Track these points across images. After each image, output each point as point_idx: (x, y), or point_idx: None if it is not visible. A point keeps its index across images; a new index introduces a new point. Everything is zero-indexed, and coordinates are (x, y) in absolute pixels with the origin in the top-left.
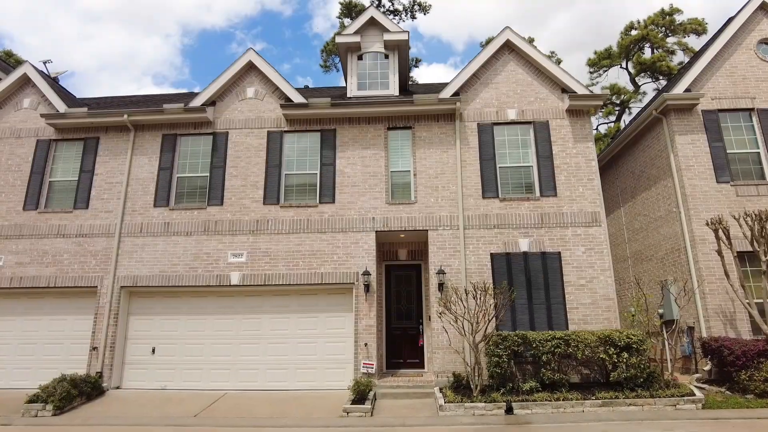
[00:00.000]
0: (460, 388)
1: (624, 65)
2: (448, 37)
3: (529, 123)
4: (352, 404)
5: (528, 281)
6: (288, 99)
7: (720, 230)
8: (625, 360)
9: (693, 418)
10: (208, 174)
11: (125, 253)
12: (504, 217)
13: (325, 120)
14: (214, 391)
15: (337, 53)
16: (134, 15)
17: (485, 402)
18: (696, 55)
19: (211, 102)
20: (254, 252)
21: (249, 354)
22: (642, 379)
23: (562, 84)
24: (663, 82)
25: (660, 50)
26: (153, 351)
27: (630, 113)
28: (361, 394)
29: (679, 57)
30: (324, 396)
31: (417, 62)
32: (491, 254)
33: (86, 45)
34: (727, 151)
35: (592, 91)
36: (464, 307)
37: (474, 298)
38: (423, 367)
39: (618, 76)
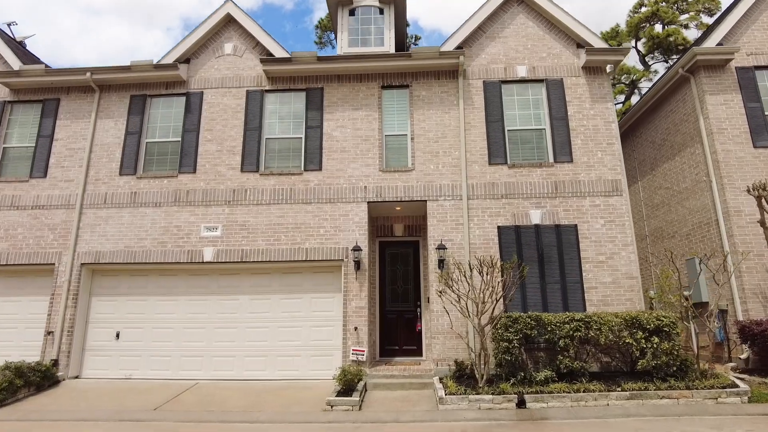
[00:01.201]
0: (463, 378)
1: (633, 44)
2: (448, 29)
3: (540, 81)
4: (337, 396)
5: (540, 258)
6: (270, 55)
7: (763, 198)
8: (654, 345)
9: (740, 413)
10: (180, 139)
11: (87, 226)
12: (513, 185)
13: (311, 77)
14: (184, 381)
15: (331, 28)
16: (135, 9)
17: (493, 394)
18: (728, 9)
19: (185, 60)
20: (230, 225)
21: (224, 339)
22: (675, 368)
23: (578, 38)
24: (676, 59)
25: (673, 26)
26: (117, 336)
27: (639, 94)
28: (348, 385)
29: (693, 34)
30: (308, 387)
31: (416, 40)
32: (498, 227)
33: (87, 39)
34: (766, 113)
35: (610, 45)
36: (468, 285)
37: (480, 275)
38: (421, 355)
39: (626, 55)
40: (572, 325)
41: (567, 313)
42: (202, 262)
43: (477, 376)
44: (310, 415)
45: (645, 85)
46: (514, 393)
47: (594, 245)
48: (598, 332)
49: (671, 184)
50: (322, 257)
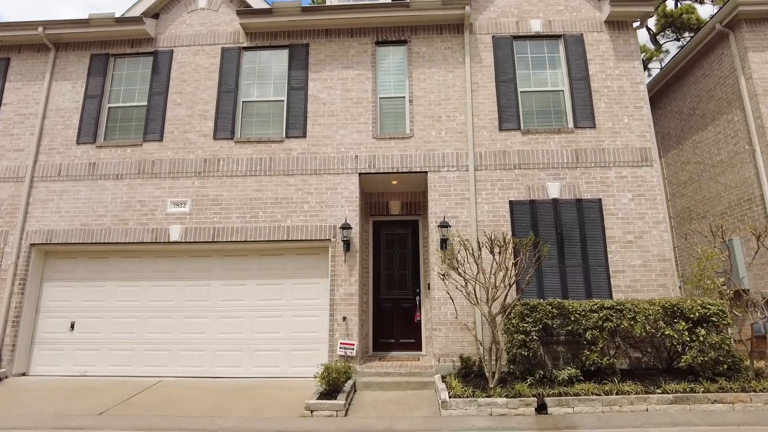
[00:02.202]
0: (470, 376)
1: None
2: None
3: (557, 37)
4: (319, 399)
5: (559, 237)
6: (249, 7)
7: None
8: (701, 338)
9: None
10: (146, 103)
11: (38, 201)
12: (527, 154)
13: (295, 32)
14: (147, 378)
15: None
16: None
17: (507, 396)
18: None
19: (154, 15)
20: (201, 200)
21: (194, 331)
22: (725, 366)
23: None
24: (688, 39)
25: (687, 1)
26: (72, 326)
27: (650, 74)
28: (333, 385)
29: (707, 11)
30: (287, 386)
31: None
32: (511, 202)
33: None
34: None
35: None
36: (477, 267)
37: (491, 254)
38: (420, 349)
39: (656, 8)
40: (602, 314)
41: (595, 300)
42: (168, 242)
43: (487, 374)
44: (283, 423)
45: (655, 66)
46: (533, 396)
47: (621, 223)
48: (632, 322)
49: (702, 158)
50: (307, 236)
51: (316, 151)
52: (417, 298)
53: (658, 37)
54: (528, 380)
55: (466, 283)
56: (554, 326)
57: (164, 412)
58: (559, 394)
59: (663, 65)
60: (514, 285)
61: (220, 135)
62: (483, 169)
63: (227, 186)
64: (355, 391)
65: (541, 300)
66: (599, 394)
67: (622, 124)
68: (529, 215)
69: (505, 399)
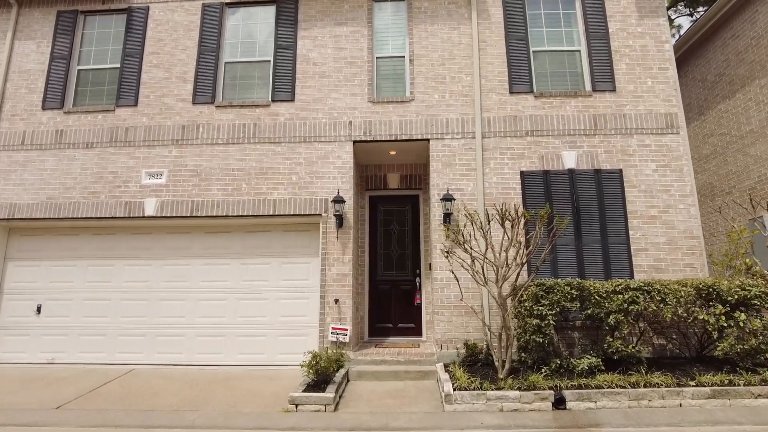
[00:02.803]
0: (477, 365)
1: None
2: None
3: None
4: (305, 392)
5: (575, 212)
6: None
7: None
8: (740, 324)
9: None
10: (119, 65)
11: (0, 173)
12: (541, 120)
13: None
14: (119, 366)
15: None
16: None
17: (520, 389)
18: None
19: None
20: (178, 170)
21: (172, 314)
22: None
23: None
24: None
25: None
26: (38, 310)
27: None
28: (322, 375)
29: None
30: (273, 376)
31: None
32: (522, 173)
33: None
34: None
35: None
36: (486, 242)
37: (502, 227)
38: (420, 334)
39: None
40: (627, 296)
41: (618, 280)
42: (143, 217)
43: (496, 363)
44: (263, 419)
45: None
46: (549, 388)
47: (644, 196)
48: (661, 306)
49: (728, 128)
50: (295, 211)
51: (305, 117)
52: (417, 279)
53: (669, 12)
54: (543, 370)
55: (473, 261)
56: (573, 310)
57: (131, 406)
58: (579, 387)
59: (677, 39)
60: (526, 264)
61: (199, 99)
62: (491, 137)
63: (207, 155)
64: (348, 381)
65: (558, 280)
66: (625, 387)
67: (645, 87)
68: (542, 187)
69: (517, 392)
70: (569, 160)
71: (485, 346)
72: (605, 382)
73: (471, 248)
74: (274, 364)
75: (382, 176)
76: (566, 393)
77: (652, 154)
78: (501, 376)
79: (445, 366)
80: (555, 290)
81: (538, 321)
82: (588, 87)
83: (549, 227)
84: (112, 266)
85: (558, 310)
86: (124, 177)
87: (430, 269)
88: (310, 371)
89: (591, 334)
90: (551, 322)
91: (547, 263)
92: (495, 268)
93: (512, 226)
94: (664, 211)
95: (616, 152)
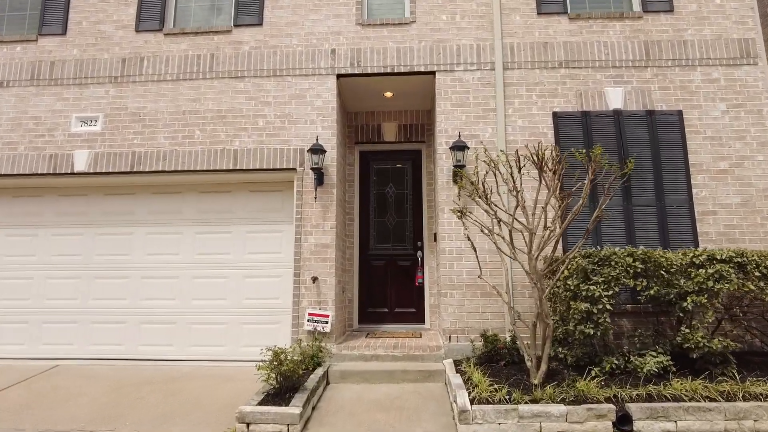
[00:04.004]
0: (499, 364)
1: None
2: None
3: None
4: (262, 404)
5: (622, 164)
6: None
7: None
8: None
9: None
10: None
11: None
12: (577, 48)
13: None
14: (42, 361)
15: None
16: None
17: (566, 402)
18: None
19: None
20: (117, 114)
21: (110, 296)
22: None
23: None
24: None
25: None
26: None
27: None
28: (288, 380)
29: None
30: (232, 375)
31: None
32: (555, 114)
33: None
34: None
35: None
36: (516, 197)
37: (540, 175)
38: (422, 321)
39: None
40: (712, 271)
41: (696, 250)
42: (73, 173)
43: (527, 363)
44: None
45: None
46: (607, 400)
47: (710, 144)
48: (762, 284)
49: None
50: (262, 165)
51: (276, 45)
52: (419, 253)
53: None
54: (592, 373)
55: (499, 223)
56: (638, 288)
57: (24, 418)
58: (649, 398)
59: None
60: (562, 228)
61: (144, 26)
62: (515, 68)
63: (153, 95)
64: (328, 384)
65: (617, 249)
66: (716, 400)
67: (712, 6)
68: (580, 133)
69: (563, 407)
70: (614, 98)
71: (509, 339)
72: (685, 392)
73: (495, 206)
74: (237, 359)
75: (376, 126)
76: (632, 407)
77: (722, 92)
78: (535, 381)
79: (456, 364)
80: (611, 263)
81: (587, 305)
82: (637, 7)
83: (621, 169)
84: (35, 236)
85: (617, 290)
86: (48, 124)
87: (435, 240)
88: (271, 374)
89: (649, 322)
90: (607, 306)
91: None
92: (527, 234)
93: (554, 174)
94: (738, 164)
95: (674, 89)
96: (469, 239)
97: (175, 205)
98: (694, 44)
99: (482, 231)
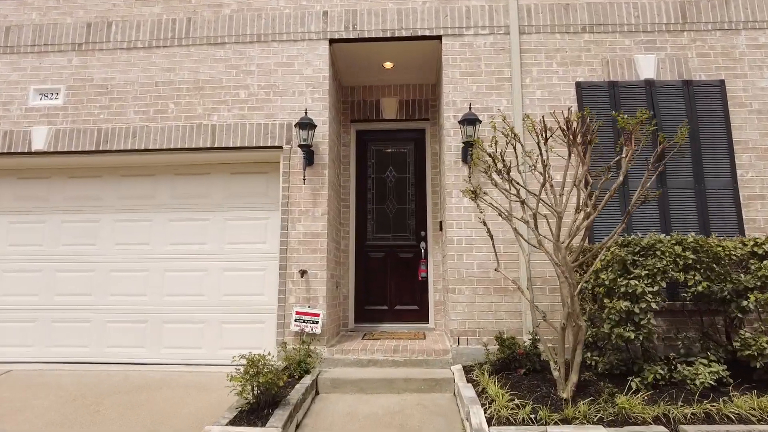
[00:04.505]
0: (517, 372)
1: None
2: None
3: None
4: (233, 423)
5: (655, 141)
6: None
7: None
8: None
9: None
10: None
11: None
12: (603, 9)
13: None
14: None
15: None
16: None
17: (605, 423)
18: None
19: None
20: (81, 86)
21: (74, 291)
22: None
23: None
24: None
25: None
26: None
27: None
28: (267, 392)
29: None
30: (206, 384)
31: None
32: (578, 84)
33: None
34: None
35: None
36: (543, 173)
37: (572, 148)
38: (426, 320)
39: None
40: None
41: (758, 237)
42: (31, 153)
43: (554, 373)
44: None
45: None
46: (656, 420)
47: (757, 119)
48: None
49: None
50: (243, 142)
51: (260, 7)
52: (422, 244)
53: None
54: (633, 384)
55: (523, 205)
56: (689, 283)
57: None
58: (707, 418)
59: None
60: (598, 210)
61: None
62: (533, 33)
63: (122, 64)
64: (318, 393)
65: (663, 236)
66: None
67: None
68: (607, 106)
69: (602, 429)
70: (646, 67)
71: (529, 343)
72: (752, 411)
73: (517, 184)
74: (216, 363)
75: (374, 102)
76: (688, 431)
77: None
78: (564, 395)
79: (466, 371)
80: (657, 252)
81: (627, 304)
82: None
83: (635, 150)
84: None
85: (664, 285)
86: (3, 97)
87: (441, 229)
88: (245, 386)
89: (693, 324)
90: (652, 305)
91: (615, 215)
92: (555, 218)
93: (589, 144)
94: None
95: (714, 56)
96: (485, 224)
97: (147, 189)
98: (738, 5)
99: (500, 215)
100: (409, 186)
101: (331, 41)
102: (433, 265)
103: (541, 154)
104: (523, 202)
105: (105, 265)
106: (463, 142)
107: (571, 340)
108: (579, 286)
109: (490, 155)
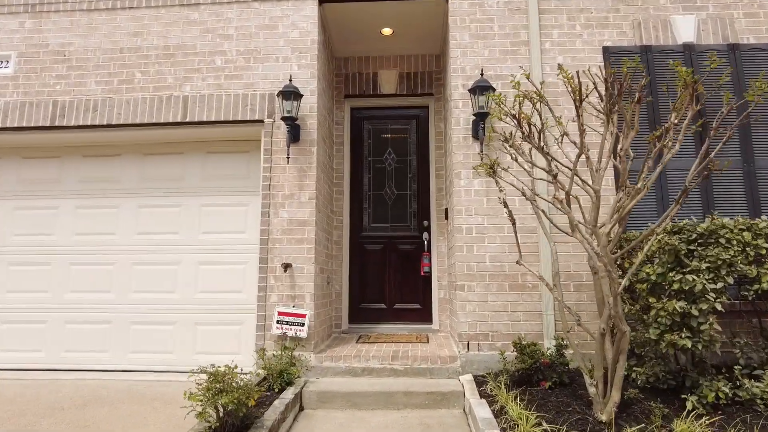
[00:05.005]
0: (539, 385)
1: None
2: None
3: None
4: None
5: (695, 113)
6: None
7: None
8: None
9: None
10: None
11: None
12: None
13: None
14: None
15: None
16: None
17: None
18: None
19: None
20: (34, 53)
21: (28, 288)
22: None
23: None
24: None
25: None
26: None
27: None
28: (233, 414)
29: None
30: (172, 397)
31: None
32: (606, 49)
33: None
34: None
35: None
36: (581, 144)
37: (609, 114)
38: (429, 320)
39: None
40: None
41: None
42: None
43: (590, 389)
44: None
45: None
46: None
47: None
48: None
49: None
50: (219, 116)
51: None
52: (425, 235)
53: None
54: (688, 404)
55: (553, 180)
56: (763, 279)
57: None
58: None
59: None
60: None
61: None
62: None
63: (82, 28)
64: (302, 410)
65: (726, 220)
66: None
67: None
68: (639, 73)
69: None
70: (684, 29)
71: (554, 350)
72: None
73: (548, 155)
74: (188, 371)
75: (371, 75)
76: None
77: None
78: (604, 418)
79: (478, 382)
80: (721, 240)
81: (682, 304)
82: None
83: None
84: None
85: (731, 280)
86: None
87: (447, 218)
88: (207, 410)
89: (752, 327)
90: (715, 305)
91: (649, 199)
92: (594, 197)
93: (638, 104)
94: None
95: (765, 16)
96: (506, 205)
97: (112, 171)
98: None
99: (523, 194)
100: (411, 170)
101: (321, 0)
102: (438, 259)
103: (579, 115)
104: (554, 177)
105: (64, 258)
106: (474, 114)
107: (614, 350)
108: (624, 281)
109: (514, 116)
